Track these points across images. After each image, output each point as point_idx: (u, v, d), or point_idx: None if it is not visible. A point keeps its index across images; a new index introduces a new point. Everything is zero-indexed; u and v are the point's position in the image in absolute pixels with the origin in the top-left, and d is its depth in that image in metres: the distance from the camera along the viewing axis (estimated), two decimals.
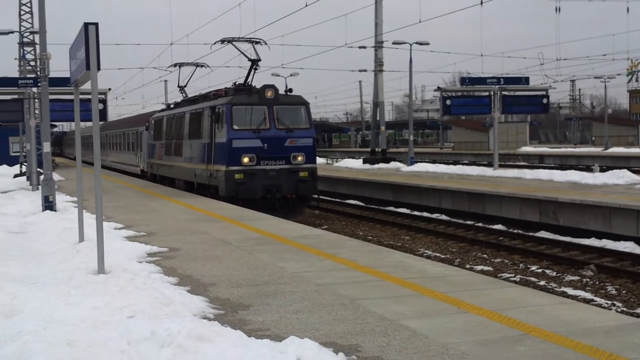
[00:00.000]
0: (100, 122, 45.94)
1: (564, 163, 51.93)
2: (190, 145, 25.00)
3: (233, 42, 23.67)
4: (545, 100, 33.09)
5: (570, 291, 13.64)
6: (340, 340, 6.71)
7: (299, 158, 21.66)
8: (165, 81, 74.81)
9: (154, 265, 10.49)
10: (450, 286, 8.92)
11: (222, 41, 23.76)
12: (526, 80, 33.69)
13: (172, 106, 31.78)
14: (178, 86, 32.17)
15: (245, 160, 21.06)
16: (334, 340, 6.70)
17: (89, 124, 48.33)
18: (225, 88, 23.63)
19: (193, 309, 7.74)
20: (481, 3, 31.06)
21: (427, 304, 8.02)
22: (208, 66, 30.67)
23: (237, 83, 23.98)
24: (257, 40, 23.50)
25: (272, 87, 21.91)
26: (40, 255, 11.67)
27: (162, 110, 33.81)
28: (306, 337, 6.48)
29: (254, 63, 23.34)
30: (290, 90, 22.74)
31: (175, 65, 31.07)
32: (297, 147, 21.67)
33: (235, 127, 21.19)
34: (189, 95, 30.35)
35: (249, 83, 23.43)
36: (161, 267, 10.42)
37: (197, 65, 30.34)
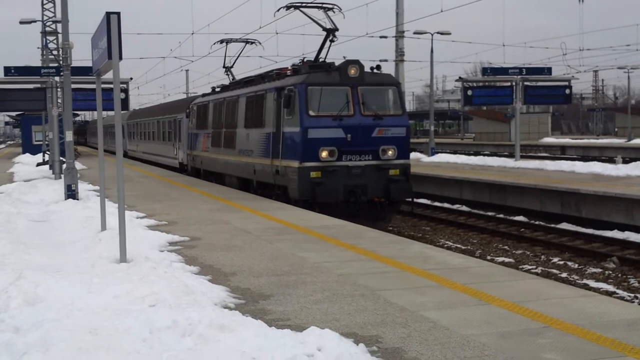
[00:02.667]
0: (123, 111, 45.88)
1: (586, 154, 51.53)
2: (247, 136, 21.09)
3: (301, 8, 19.55)
4: (567, 91, 32.86)
5: (593, 283, 13.56)
6: (361, 331, 6.71)
7: (389, 152, 17.64)
8: (187, 70, 74.82)
9: (175, 255, 10.55)
10: (471, 278, 8.89)
11: (288, 7, 19.62)
12: (548, 70, 33.43)
13: (217, 90, 27.20)
14: (224, 67, 27.87)
15: (324, 154, 17.12)
16: (354, 330, 6.71)
17: (112, 113, 48.53)
18: (293, 65, 19.88)
19: (214, 298, 7.77)
20: None
21: (448, 296, 8.00)
22: (259, 43, 26.78)
23: (304, 60, 20.18)
24: (331, 5, 19.40)
25: (357, 63, 17.97)
26: (62, 244, 11.77)
27: (207, 94, 28.97)
28: (327, 327, 6.48)
29: (330, 33, 19.11)
30: (378, 67, 18.50)
31: (221, 41, 27.07)
32: (387, 139, 17.66)
33: (311, 112, 17.23)
34: (236, 78, 26.75)
35: (323, 59, 19.50)
36: (182, 256, 10.47)
37: (246, 41, 26.76)
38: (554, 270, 14.75)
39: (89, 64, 13.68)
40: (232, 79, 26.86)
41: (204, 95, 29.44)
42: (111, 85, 27.18)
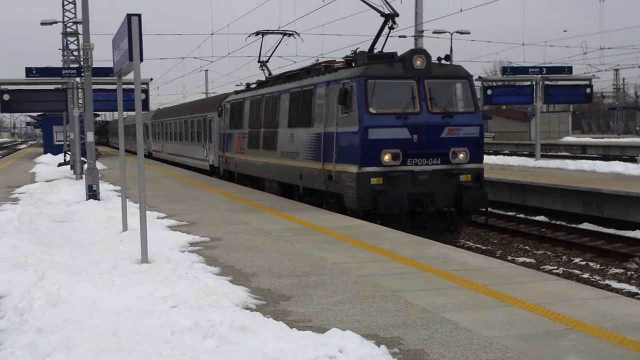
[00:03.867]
0: (145, 111, 45.82)
1: (607, 153, 51.11)
2: (292, 136, 19.08)
3: None
4: (588, 90, 32.63)
5: (615, 284, 13.46)
6: (382, 332, 6.70)
7: (461, 155, 15.63)
8: (206, 71, 74.94)
9: (196, 255, 10.59)
10: (492, 279, 8.85)
11: None
12: (569, 69, 33.21)
13: (253, 86, 25.21)
14: (259, 61, 26.00)
15: (387, 157, 15.13)
16: (375, 332, 6.69)
17: (132, 113, 48.65)
18: (346, 56, 17.72)
19: (235, 299, 7.78)
20: None
21: (469, 297, 7.97)
22: (298, 34, 24.78)
23: (357, 50, 17.82)
24: None
25: (423, 52, 16.05)
26: (84, 244, 11.83)
27: (240, 91, 27.09)
28: (348, 328, 6.47)
29: (389, 19, 17.07)
30: (447, 57, 16.52)
31: (257, 33, 25.06)
32: (459, 140, 15.67)
33: (371, 110, 15.18)
34: (273, 73, 24.98)
35: (379, 50, 17.39)
36: (203, 257, 10.50)
37: (284, 33, 24.76)
38: (576, 271, 14.66)
39: (109, 64, 13.79)
40: (269, 75, 25.04)
41: (237, 92, 27.60)
42: (131, 86, 27.30)
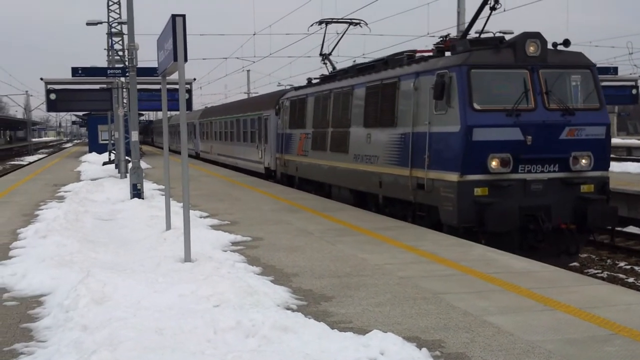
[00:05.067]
0: (191, 111, 45.98)
1: None
2: (368, 137, 16.79)
3: None
4: (634, 91, 32.21)
5: None
6: (424, 335, 6.68)
7: (583, 161, 13.23)
8: (248, 71, 75.31)
9: (238, 255, 10.66)
10: (535, 282, 8.77)
11: None
12: (614, 70, 32.79)
13: (315, 81, 23.03)
14: (320, 54, 23.79)
15: (494, 163, 12.81)
16: (417, 335, 6.68)
17: (176, 113, 49.03)
18: (438, 44, 15.12)
19: (277, 299, 7.82)
20: None
21: (512, 300, 7.90)
22: (366, 24, 22.61)
23: (447, 37, 15.37)
24: None
25: (538, 36, 13.40)
26: (128, 243, 11.99)
27: (301, 87, 24.32)
28: (389, 330, 6.46)
29: None
30: (566, 42, 13.55)
31: (319, 23, 22.87)
32: (581, 142, 13.22)
33: (476, 106, 12.85)
34: (337, 68, 23.02)
35: (478, 34, 15.20)
36: (245, 257, 10.57)
37: (350, 22, 22.63)
38: (621, 275, 14.45)
39: (153, 64, 13.94)
40: (333, 69, 23.02)
41: (297, 88, 25.00)
42: (175, 86, 27.58)
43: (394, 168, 15.28)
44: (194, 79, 33.48)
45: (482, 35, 14.88)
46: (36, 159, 64.55)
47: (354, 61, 24.91)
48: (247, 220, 14.67)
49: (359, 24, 22.42)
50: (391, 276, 9.19)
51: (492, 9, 14.07)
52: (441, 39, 15.28)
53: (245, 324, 6.33)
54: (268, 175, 27.79)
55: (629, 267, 15.15)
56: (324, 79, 21.83)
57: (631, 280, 13.98)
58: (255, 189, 21.72)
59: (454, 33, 16.12)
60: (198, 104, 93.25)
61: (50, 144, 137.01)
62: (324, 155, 20.10)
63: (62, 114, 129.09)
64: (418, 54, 15.92)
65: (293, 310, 7.28)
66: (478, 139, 12.77)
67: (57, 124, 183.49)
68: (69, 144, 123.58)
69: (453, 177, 12.93)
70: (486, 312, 7.42)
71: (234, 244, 11.82)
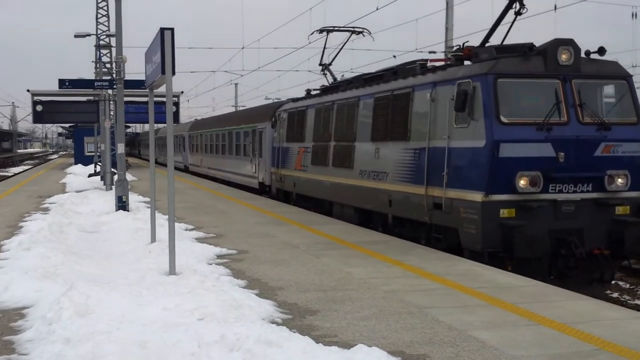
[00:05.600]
0: (177, 123, 45.78)
1: None
2: (376, 152, 15.67)
3: None
4: None
5: None
6: (408, 349, 6.66)
7: (619, 180, 12.24)
8: (236, 84, 75.40)
9: (223, 268, 10.63)
10: (520, 297, 8.78)
11: None
12: None
13: (314, 92, 22.06)
14: (320, 64, 22.72)
15: (523, 182, 11.74)
16: (401, 349, 6.66)
17: (163, 125, 48.87)
18: (453, 53, 14.04)
19: (261, 313, 7.79)
20: (555, 8, 30.54)
21: (497, 315, 7.90)
22: (369, 32, 21.58)
23: (464, 45, 13.63)
24: None
25: (570, 43, 12.36)
26: (112, 255, 11.93)
27: (300, 98, 23.14)
28: (374, 345, 6.46)
29: (514, 1, 13.32)
30: (601, 50, 12.61)
31: (320, 31, 21.76)
32: (617, 159, 12.23)
33: (503, 119, 11.78)
34: (336, 79, 22.09)
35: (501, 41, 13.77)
36: (230, 270, 10.54)
37: (352, 31, 21.52)
38: (606, 290, 14.46)
39: (140, 76, 13.92)
40: (334, 80, 21.98)
41: (295, 100, 23.95)
42: (163, 98, 27.51)
43: (406, 186, 14.16)
44: (182, 92, 33.46)
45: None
46: (21, 170, 64.23)
47: (342, 75, 24.62)
48: (233, 233, 14.64)
49: (361, 32, 21.35)
50: (376, 290, 9.18)
51: (518, 13, 13.25)
52: (458, 47, 14.02)
53: (230, 337, 6.30)
54: (262, 190, 26.75)
55: (613, 282, 15.16)
56: (325, 90, 20.71)
57: (615, 295, 14.03)
58: (240, 202, 21.68)
59: (473, 41, 14.55)
60: (185, 116, 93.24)
61: (36, 155, 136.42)
62: (325, 170, 18.95)
63: (48, 125, 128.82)
64: (430, 64, 15.06)
65: (278, 324, 7.26)
66: (505, 155, 11.66)
67: (43, 135, 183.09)
68: (55, 156, 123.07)
69: (476, 196, 11.86)
70: (471, 326, 7.42)
71: (219, 256, 11.79)
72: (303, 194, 21.14)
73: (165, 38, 9.67)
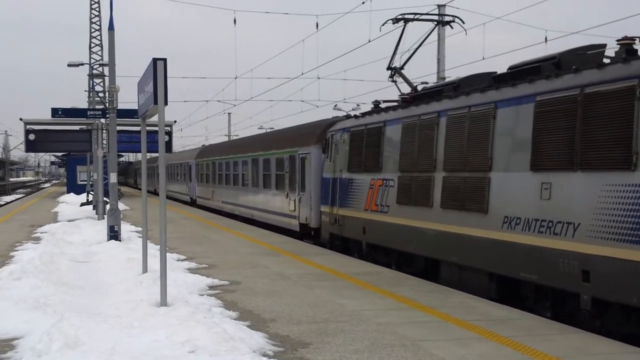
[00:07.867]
0: (185, 150, 45.27)
1: None
2: (546, 188, 10.26)
3: None
4: None
5: None
6: None
7: None
8: (229, 114, 75.56)
9: (214, 299, 10.55)
10: (514, 330, 8.73)
11: None
12: None
13: (385, 105, 17.10)
14: (388, 68, 17.80)
15: None
16: None
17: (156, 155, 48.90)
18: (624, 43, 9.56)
19: (253, 345, 7.72)
20: (545, 41, 30.77)
21: (490, 348, 7.85)
22: (462, 21, 17.46)
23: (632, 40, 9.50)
24: None
25: None
26: (104, 286, 11.85)
27: (366, 113, 17.94)
28: None
29: None
30: None
31: (395, 21, 17.16)
32: None
33: None
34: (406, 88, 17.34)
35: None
36: (222, 301, 10.46)
37: (439, 21, 18.05)
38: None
39: (133, 105, 13.95)
40: (412, 87, 17.22)
41: (357, 116, 18.50)
42: (155, 128, 27.55)
43: (630, 249, 8.75)
44: (175, 121, 33.45)
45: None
46: (14, 198, 64.01)
47: (336, 105, 23.78)
48: (225, 263, 14.57)
49: (451, 22, 17.39)
50: (369, 322, 9.12)
51: None
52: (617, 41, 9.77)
53: None
54: (304, 233, 21.28)
55: None
56: (417, 99, 15.45)
57: None
58: (233, 232, 21.61)
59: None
60: (178, 145, 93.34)
61: (29, 183, 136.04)
62: (426, 213, 13.63)
63: (41, 153, 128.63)
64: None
65: (269, 357, 7.20)
66: None
67: (36, 163, 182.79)
68: (47, 184, 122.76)
69: None
70: None
71: (211, 287, 11.72)
72: (379, 244, 15.91)
73: (157, 68, 9.69)
